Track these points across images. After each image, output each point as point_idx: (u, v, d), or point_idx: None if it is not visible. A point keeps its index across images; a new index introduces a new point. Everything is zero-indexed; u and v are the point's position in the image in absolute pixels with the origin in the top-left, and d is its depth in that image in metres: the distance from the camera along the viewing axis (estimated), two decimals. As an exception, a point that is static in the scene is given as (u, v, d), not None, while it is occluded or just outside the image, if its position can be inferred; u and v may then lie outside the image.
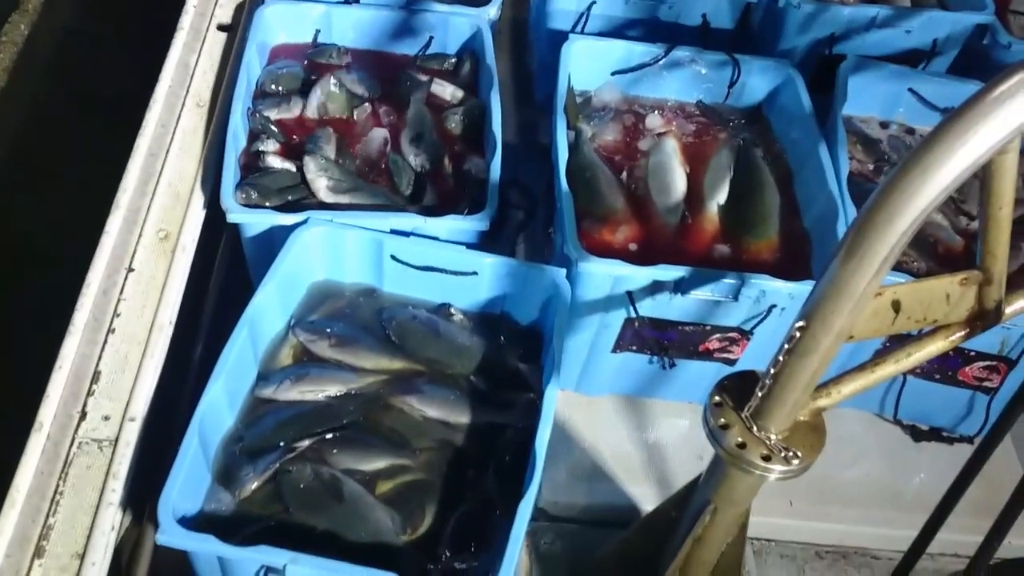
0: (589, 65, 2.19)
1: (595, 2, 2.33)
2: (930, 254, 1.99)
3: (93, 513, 1.45)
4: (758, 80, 2.22)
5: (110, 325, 1.67)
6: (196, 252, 1.83)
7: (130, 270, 1.75)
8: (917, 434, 2.13)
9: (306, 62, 2.18)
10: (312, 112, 2.06)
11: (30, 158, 3.21)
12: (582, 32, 2.34)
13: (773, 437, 1.14)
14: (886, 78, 2.24)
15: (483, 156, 1.99)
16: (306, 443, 1.58)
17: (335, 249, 1.78)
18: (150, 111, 2.01)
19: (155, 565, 1.59)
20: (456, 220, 1.80)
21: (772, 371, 1.08)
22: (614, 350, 1.92)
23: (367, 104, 2.10)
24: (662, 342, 1.89)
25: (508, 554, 1.34)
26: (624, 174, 2.06)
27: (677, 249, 1.93)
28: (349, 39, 2.24)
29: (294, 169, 1.92)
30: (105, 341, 1.65)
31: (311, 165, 1.88)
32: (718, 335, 1.87)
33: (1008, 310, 1.18)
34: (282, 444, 1.57)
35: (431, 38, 2.25)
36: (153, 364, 1.63)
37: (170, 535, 1.35)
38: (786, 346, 1.04)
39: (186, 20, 2.24)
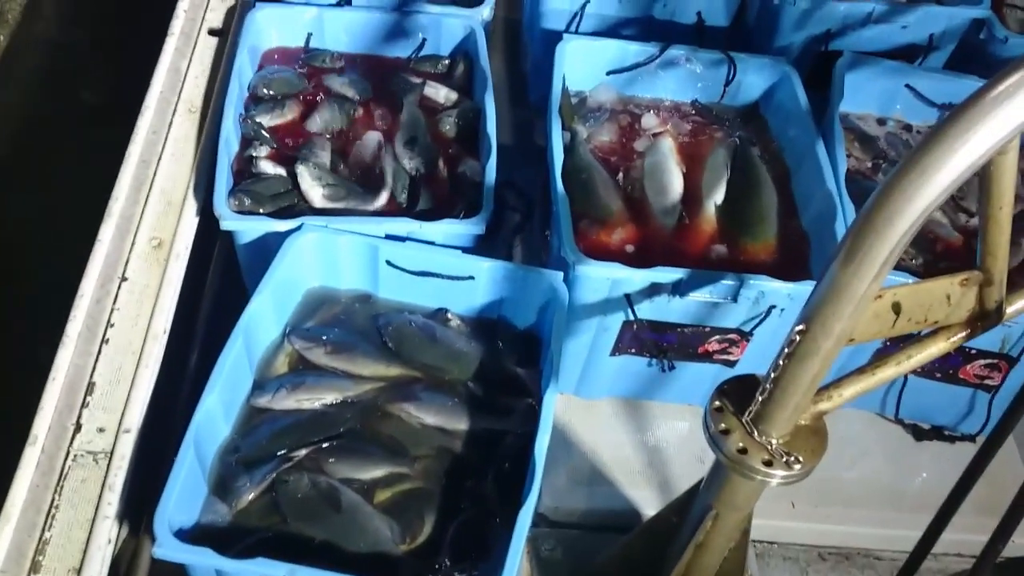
0: (584, 65, 2.18)
1: (588, 1, 2.32)
2: (929, 251, 1.98)
3: (89, 527, 1.44)
4: (754, 78, 2.21)
5: (104, 335, 1.66)
6: (190, 260, 1.82)
7: (123, 279, 1.74)
8: (918, 433, 2.12)
9: (299, 66, 2.17)
10: (315, 129, 2.04)
11: (19, 168, 3.19)
12: (576, 32, 2.32)
13: (774, 442, 1.13)
14: (883, 74, 2.22)
15: (478, 158, 1.98)
16: (303, 452, 1.57)
17: (330, 255, 1.77)
18: (142, 118, 2.00)
19: (152, 578, 1.57)
20: (452, 224, 1.79)
21: (772, 375, 1.07)
22: (613, 353, 1.91)
23: (360, 108, 2.09)
24: (661, 344, 1.88)
25: (508, 562, 1.33)
26: (620, 175, 2.05)
27: (675, 250, 1.92)
28: (341, 42, 2.23)
29: (287, 175, 1.90)
30: (99, 351, 1.64)
31: (306, 175, 1.87)
32: (717, 337, 1.86)
33: (1009, 310, 1.17)
34: (279, 454, 1.56)
35: (424, 40, 2.23)
36: (148, 374, 1.62)
37: (167, 549, 1.33)
38: (786, 350, 1.03)
39: (177, 25, 2.22)
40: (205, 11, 2.28)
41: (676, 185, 2.02)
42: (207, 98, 2.08)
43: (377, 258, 1.76)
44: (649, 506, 1.92)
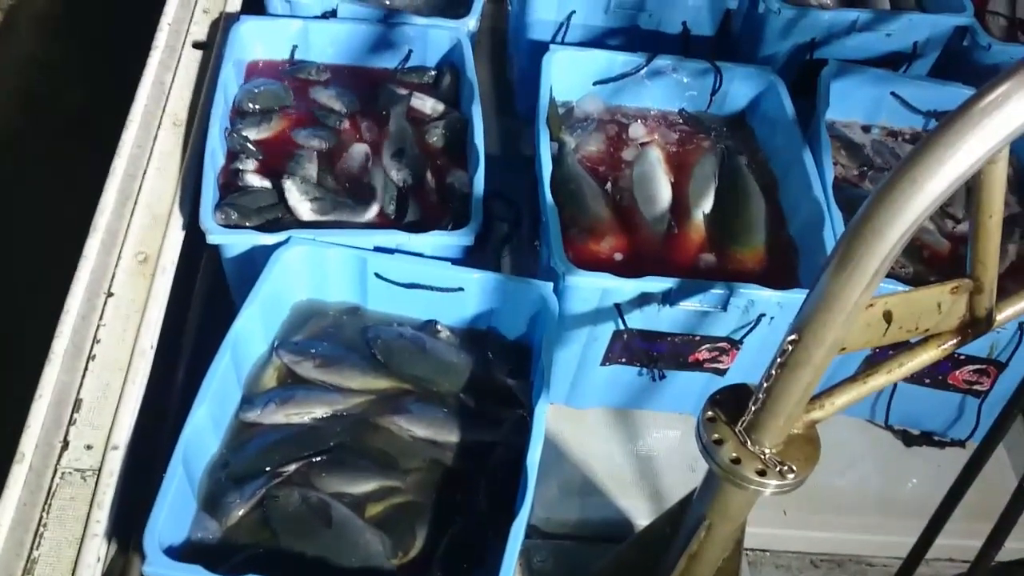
0: (570, 76, 2.18)
1: (574, 12, 2.32)
2: (917, 258, 1.99)
3: (78, 545, 1.42)
4: (740, 87, 2.22)
5: (90, 351, 1.64)
6: (176, 274, 1.80)
7: (109, 294, 1.72)
8: (908, 439, 2.12)
9: (284, 79, 2.16)
10: (302, 141, 2.03)
11: (1, 184, 3.16)
12: (562, 42, 2.33)
13: (767, 451, 1.13)
14: (868, 82, 2.24)
15: (466, 169, 1.97)
16: (293, 467, 1.56)
17: (318, 268, 1.76)
18: (126, 131, 1.98)
19: (142, 596, 1.56)
20: (440, 236, 1.78)
21: (765, 385, 1.06)
22: (603, 363, 1.91)
23: (347, 120, 2.08)
24: (651, 354, 1.87)
25: (502, 574, 1.32)
26: (609, 185, 2.05)
27: (664, 259, 1.92)
28: (327, 54, 2.22)
29: (273, 188, 1.89)
30: (86, 368, 1.62)
31: (293, 189, 1.86)
32: (707, 345, 1.86)
33: (999, 317, 1.18)
34: (268, 469, 1.55)
35: (410, 51, 2.23)
36: (135, 390, 1.61)
37: (157, 566, 1.32)
38: (778, 360, 1.03)
39: (161, 38, 2.21)
40: (189, 24, 2.26)
41: (664, 194, 2.02)
42: (192, 111, 2.07)
43: (365, 270, 1.75)
44: (641, 515, 1.92)
